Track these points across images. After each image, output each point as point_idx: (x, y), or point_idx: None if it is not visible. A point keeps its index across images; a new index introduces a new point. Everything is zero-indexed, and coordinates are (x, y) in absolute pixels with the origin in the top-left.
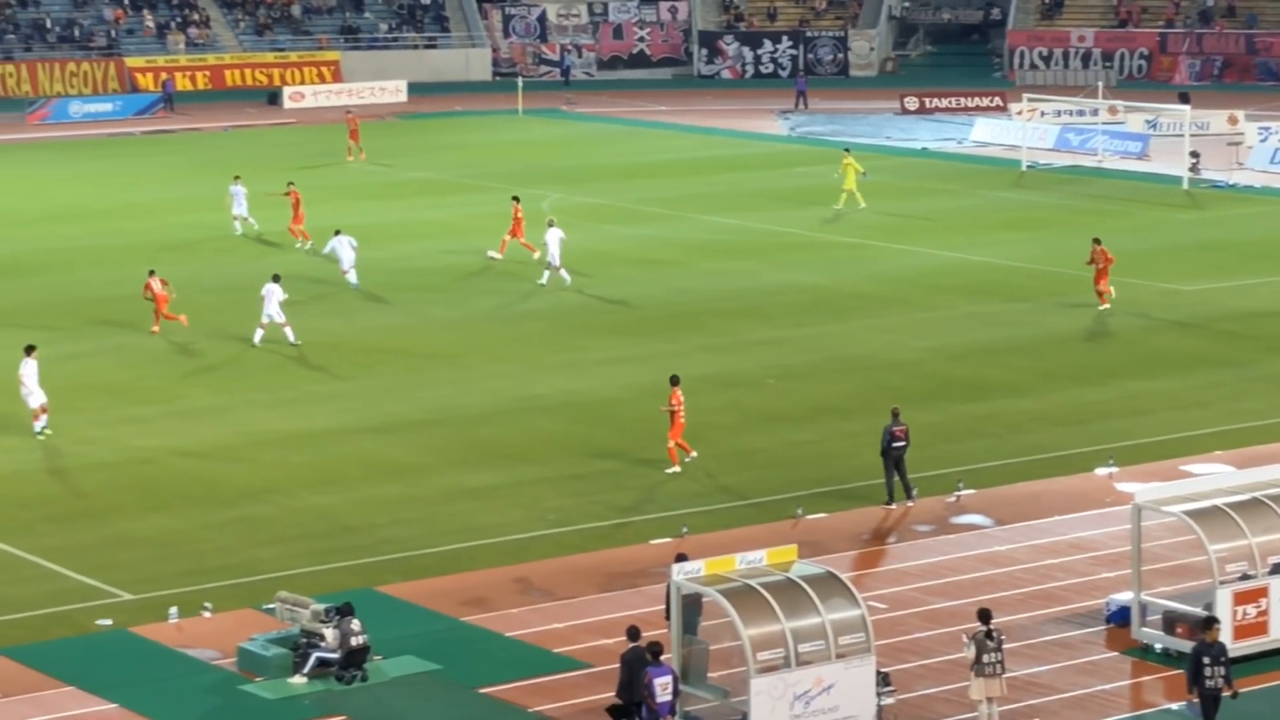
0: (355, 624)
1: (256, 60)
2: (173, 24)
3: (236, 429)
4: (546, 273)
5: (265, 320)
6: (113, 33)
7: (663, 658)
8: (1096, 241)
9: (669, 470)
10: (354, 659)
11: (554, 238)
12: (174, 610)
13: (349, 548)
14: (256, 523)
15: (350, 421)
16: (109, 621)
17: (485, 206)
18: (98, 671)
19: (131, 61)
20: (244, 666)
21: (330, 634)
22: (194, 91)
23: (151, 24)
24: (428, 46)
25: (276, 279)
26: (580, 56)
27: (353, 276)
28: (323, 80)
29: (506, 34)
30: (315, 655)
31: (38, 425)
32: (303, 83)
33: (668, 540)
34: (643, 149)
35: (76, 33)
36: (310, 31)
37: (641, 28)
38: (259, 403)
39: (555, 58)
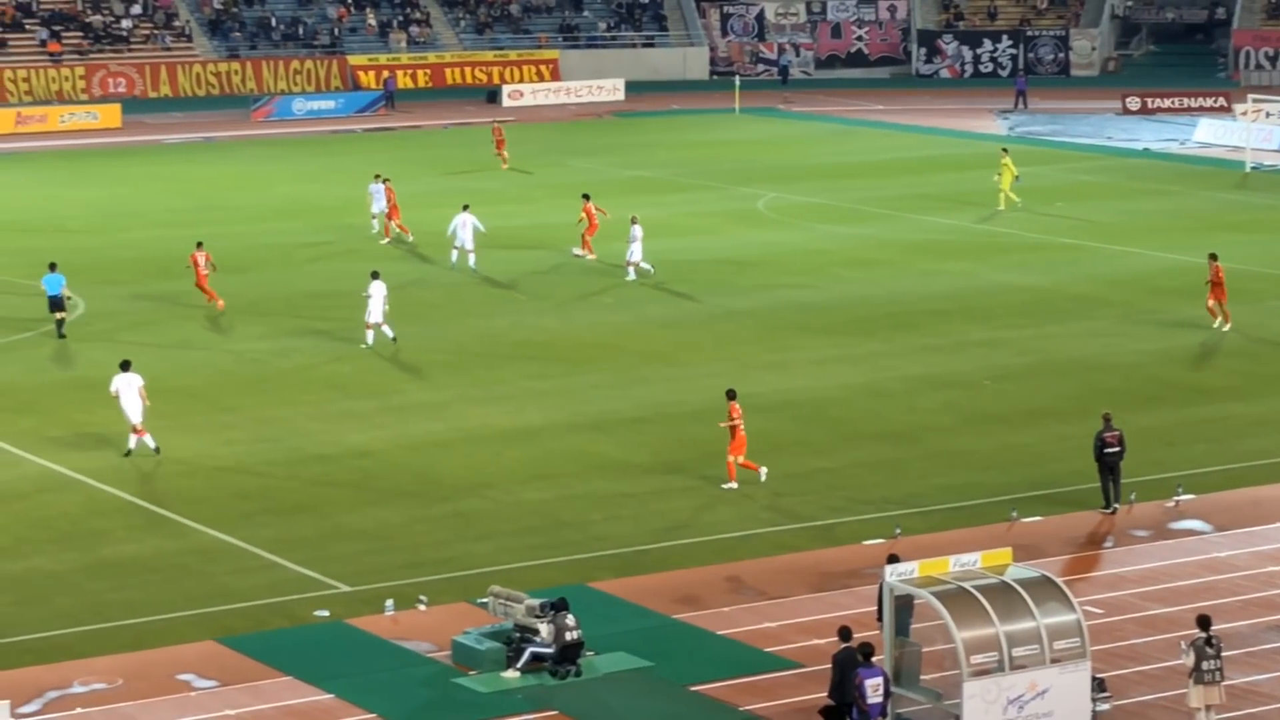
0: (570, 619)
1: (476, 59)
2: (395, 23)
3: (452, 424)
4: (631, 269)
5: (373, 320)
6: (336, 31)
7: (874, 659)
8: (1213, 258)
9: (725, 486)
10: (569, 654)
11: (637, 234)
12: (390, 603)
13: (562, 543)
14: (471, 517)
15: (564, 418)
16: (326, 613)
17: (701, 205)
18: (315, 662)
19: (354, 59)
20: (458, 660)
21: (545, 629)
22: (414, 89)
23: (374, 23)
24: (646, 45)
25: (376, 275)
26: (798, 55)
27: (472, 259)
28: (541, 79)
29: (724, 33)
30: (530, 650)
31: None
32: (521, 81)
33: (881, 541)
34: (859, 148)
35: (301, 31)
36: (530, 30)
37: (860, 26)
38: (475, 398)
39: (773, 56)
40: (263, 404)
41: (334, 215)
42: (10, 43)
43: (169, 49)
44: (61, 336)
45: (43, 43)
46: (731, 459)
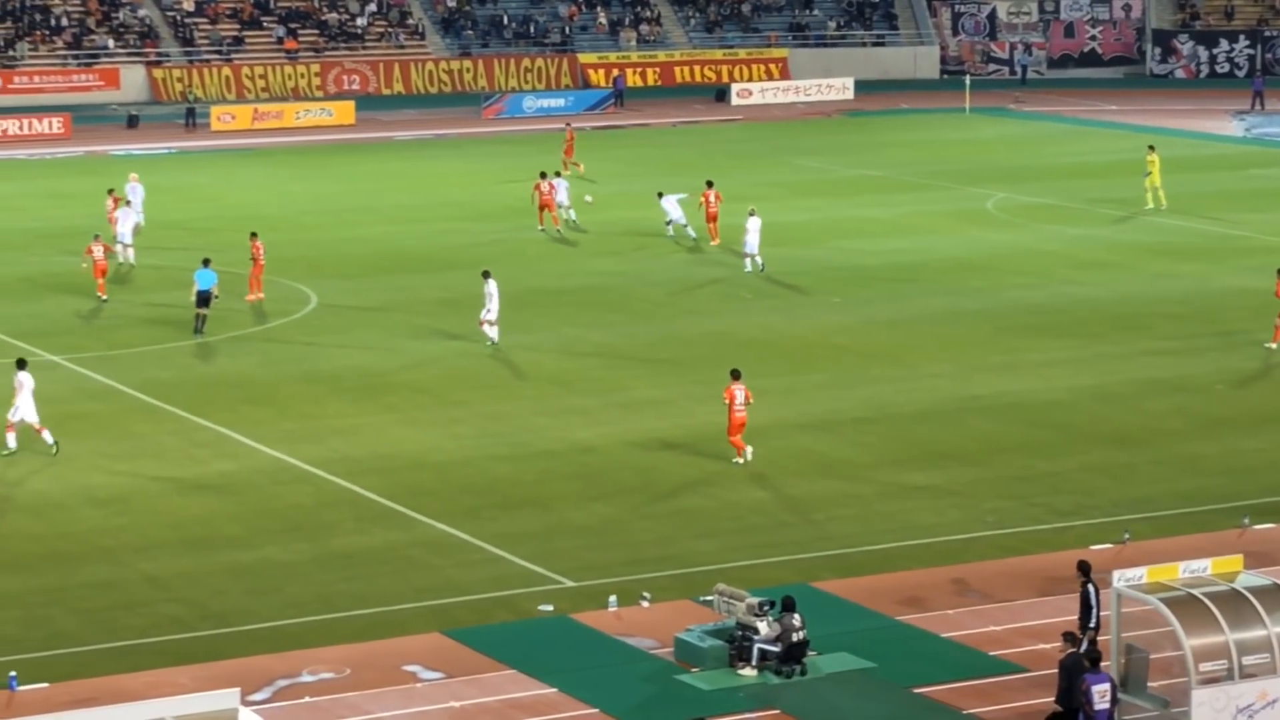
0: (796, 619)
1: (706, 57)
2: (625, 21)
3: (676, 421)
4: (748, 260)
5: (486, 318)
6: (566, 29)
7: (1102, 665)
8: None
9: (736, 461)
10: (794, 653)
11: (754, 226)
12: (613, 599)
13: (785, 543)
14: (694, 515)
15: (788, 417)
16: (550, 607)
17: (929, 205)
18: (539, 655)
19: (584, 58)
20: (680, 656)
21: (764, 627)
22: (644, 87)
23: (604, 21)
24: (876, 44)
25: (487, 274)
26: (1030, 54)
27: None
28: (770, 77)
29: (955, 32)
30: (757, 647)
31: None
32: (750, 80)
33: (1108, 546)
34: (1091, 149)
35: (532, 29)
36: (759, 29)
37: (1093, 26)
38: (698, 396)
39: (1004, 55)
40: (490, 399)
41: (563, 212)
42: (248, 40)
43: (402, 47)
44: (199, 333)
45: (279, 40)
46: (737, 438)
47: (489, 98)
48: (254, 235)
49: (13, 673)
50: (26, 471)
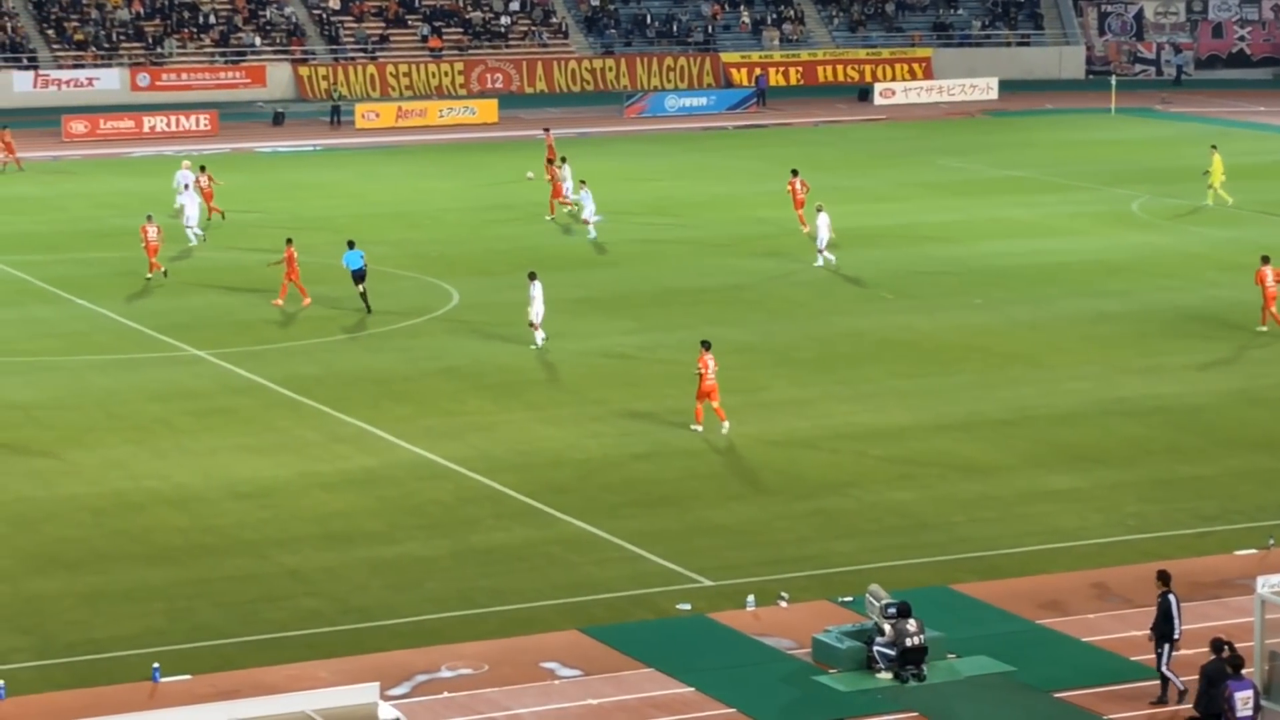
0: (911, 624)
1: (849, 57)
2: (768, 20)
3: (816, 421)
4: (821, 256)
5: (534, 320)
6: (709, 28)
7: (1244, 671)
8: (1265, 260)
9: (692, 428)
10: (909, 658)
11: (823, 223)
12: (751, 598)
13: (924, 544)
14: (833, 515)
15: (929, 418)
16: (688, 606)
17: (1073, 206)
18: (676, 654)
19: (727, 57)
20: (818, 657)
21: (888, 630)
22: (786, 87)
23: (747, 20)
24: (1020, 44)
25: (533, 276)
26: (1177, 55)
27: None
28: (914, 77)
29: (1101, 32)
30: (876, 649)
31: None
32: (894, 79)
33: (1253, 551)
34: (1238, 150)
35: (674, 28)
36: (903, 28)
37: (1242, 26)
38: (840, 396)
39: (1151, 56)
40: (629, 397)
41: (703, 211)
42: (393, 38)
43: (545, 45)
44: (368, 310)
45: (424, 39)
46: (699, 404)
47: (631, 96)
48: (289, 241)
49: (155, 664)
50: (171, 465)
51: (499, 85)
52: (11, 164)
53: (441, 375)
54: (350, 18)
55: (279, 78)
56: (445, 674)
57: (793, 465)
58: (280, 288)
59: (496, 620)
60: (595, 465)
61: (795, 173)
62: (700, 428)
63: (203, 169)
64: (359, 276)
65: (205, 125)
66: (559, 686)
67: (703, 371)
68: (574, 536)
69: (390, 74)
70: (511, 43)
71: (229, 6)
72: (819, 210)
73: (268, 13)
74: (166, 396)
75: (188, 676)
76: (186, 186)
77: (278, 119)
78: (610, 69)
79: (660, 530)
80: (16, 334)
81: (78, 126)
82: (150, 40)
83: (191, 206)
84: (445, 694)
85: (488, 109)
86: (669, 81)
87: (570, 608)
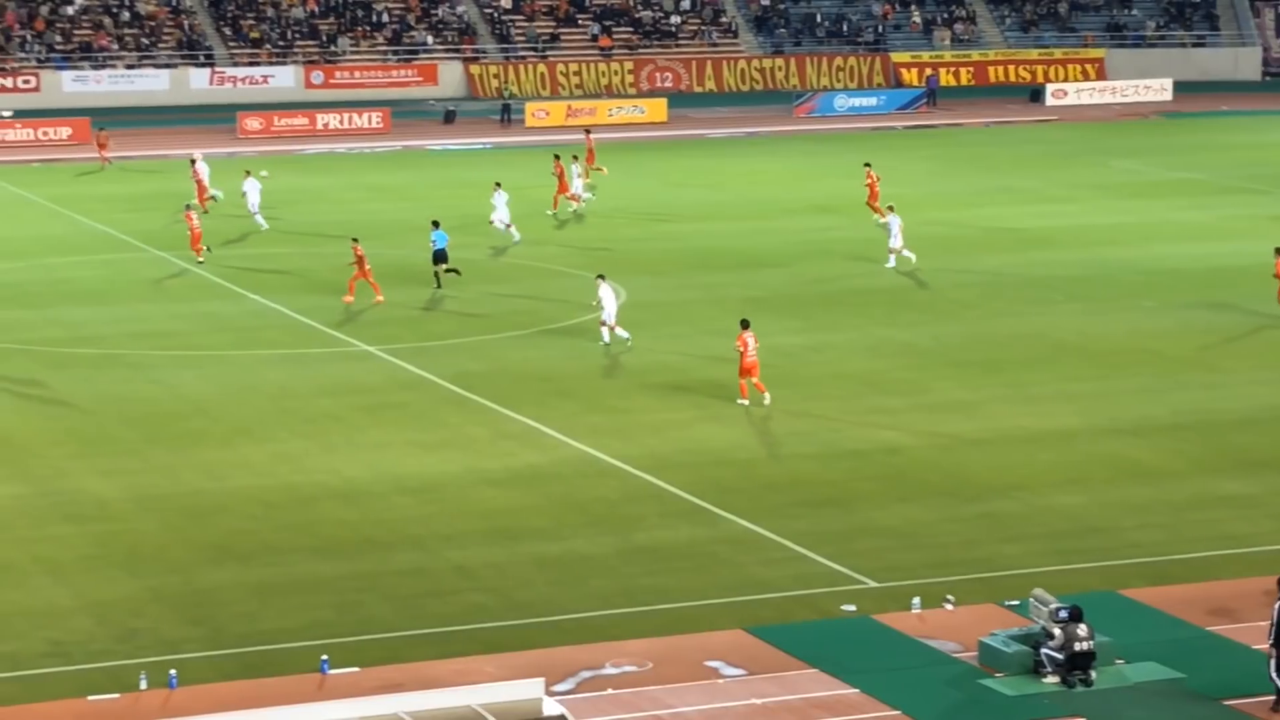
0: (1082, 629)
1: (1020, 57)
2: (939, 20)
3: (983, 424)
4: (892, 256)
5: (607, 320)
6: (880, 28)
7: None
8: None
9: (740, 402)
10: (1077, 663)
11: (895, 224)
12: (917, 600)
13: (1092, 549)
14: (1000, 518)
15: (1099, 422)
16: (853, 607)
17: (1248, 209)
18: (841, 655)
19: (897, 57)
20: (984, 661)
21: (1058, 634)
22: (957, 87)
23: (918, 20)
24: (1196, 45)
25: (602, 277)
26: None
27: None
28: (1086, 78)
29: (1279, 33)
30: (1044, 652)
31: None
32: (1065, 80)
33: None
34: None
35: (845, 28)
36: (1075, 28)
37: None
38: (1008, 398)
39: None
40: (796, 397)
41: (869, 213)
42: (563, 37)
43: (715, 45)
44: (439, 286)
45: (594, 37)
46: (742, 380)
47: (800, 96)
48: (355, 240)
49: (324, 656)
50: (341, 459)
51: (668, 84)
52: (106, 164)
53: (608, 373)
54: (521, 17)
55: (450, 76)
56: (609, 671)
57: (960, 467)
58: (349, 285)
59: (661, 618)
60: (761, 464)
61: (868, 165)
62: (746, 401)
63: (193, 161)
64: (440, 257)
65: (377, 123)
66: (723, 685)
67: (742, 350)
68: (739, 536)
69: (560, 73)
70: (681, 42)
71: (402, 5)
72: (890, 210)
73: (440, 12)
74: (336, 391)
75: (355, 669)
76: (247, 173)
77: (449, 117)
78: (780, 68)
79: (825, 531)
80: (191, 328)
81: (252, 123)
82: (324, 38)
83: (254, 194)
84: (609, 691)
85: (657, 108)
86: (838, 81)
87: (734, 607)
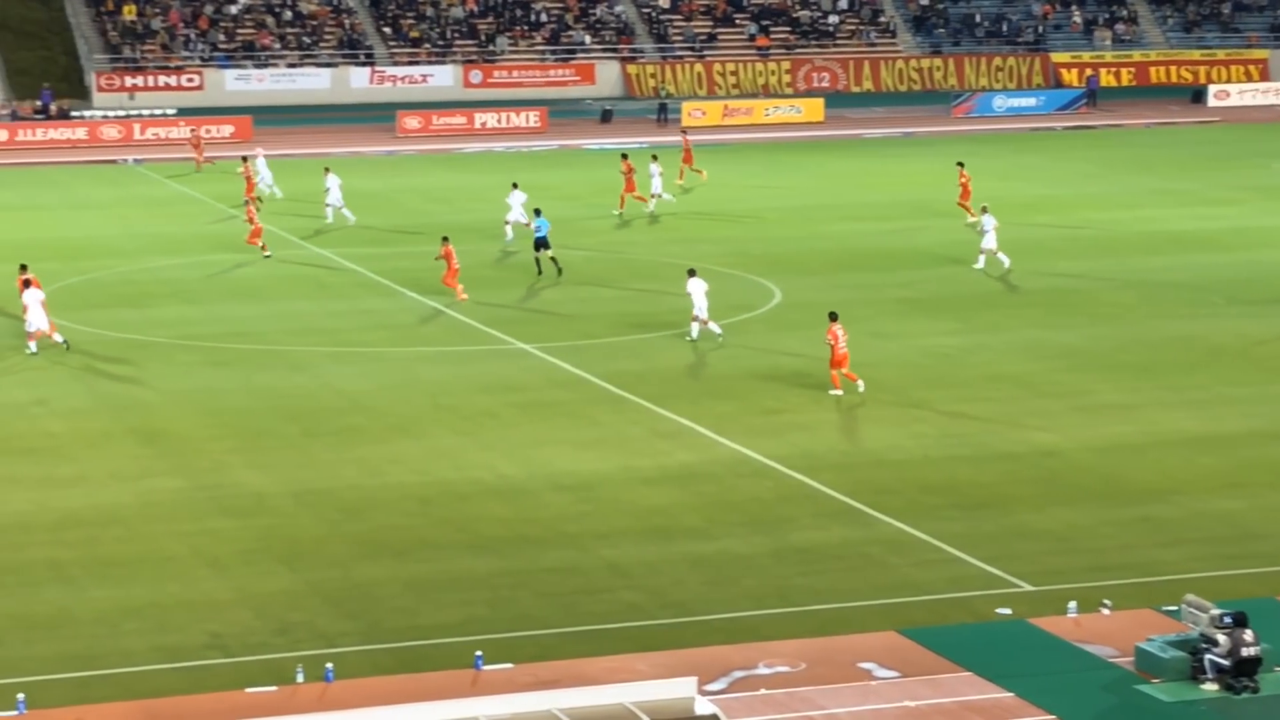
0: (1248, 634)
1: (1182, 57)
2: (1100, 20)
3: (1142, 427)
4: (982, 257)
5: (698, 315)
6: (1040, 28)
7: None
8: None
9: (831, 393)
10: (1244, 669)
11: (990, 225)
12: (1073, 605)
13: (1253, 555)
14: (1159, 523)
15: (1260, 426)
16: (1008, 611)
17: None
18: (995, 659)
19: (1057, 57)
20: (1141, 666)
21: (1223, 639)
22: (1117, 88)
23: (1079, 20)
24: None
25: (692, 273)
26: None
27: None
28: (1249, 79)
29: None
30: (1208, 659)
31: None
32: (1228, 81)
33: None
34: None
35: (1004, 28)
36: (1239, 29)
37: None
38: (1167, 402)
39: None
40: (951, 399)
41: (1030, 213)
42: (720, 37)
43: (873, 45)
44: (540, 274)
45: (751, 37)
46: (834, 371)
47: (958, 96)
48: (445, 239)
49: (478, 652)
50: (496, 456)
51: (825, 84)
52: (206, 164)
53: (763, 373)
54: (679, 16)
55: (608, 76)
56: (762, 671)
57: (1118, 471)
58: (450, 282)
59: (814, 619)
60: (916, 466)
61: (961, 165)
62: (840, 392)
63: (244, 159)
64: (542, 244)
65: (535, 122)
66: (876, 687)
67: (833, 343)
68: (893, 537)
69: (717, 72)
70: (839, 42)
71: (560, 5)
72: (984, 211)
73: (598, 11)
74: (493, 389)
75: (509, 665)
76: (326, 170)
77: (606, 116)
78: (938, 69)
79: (981, 533)
80: (350, 325)
81: (411, 122)
82: (483, 38)
83: (336, 190)
84: (762, 691)
85: (814, 108)
86: (997, 81)
87: (888, 609)
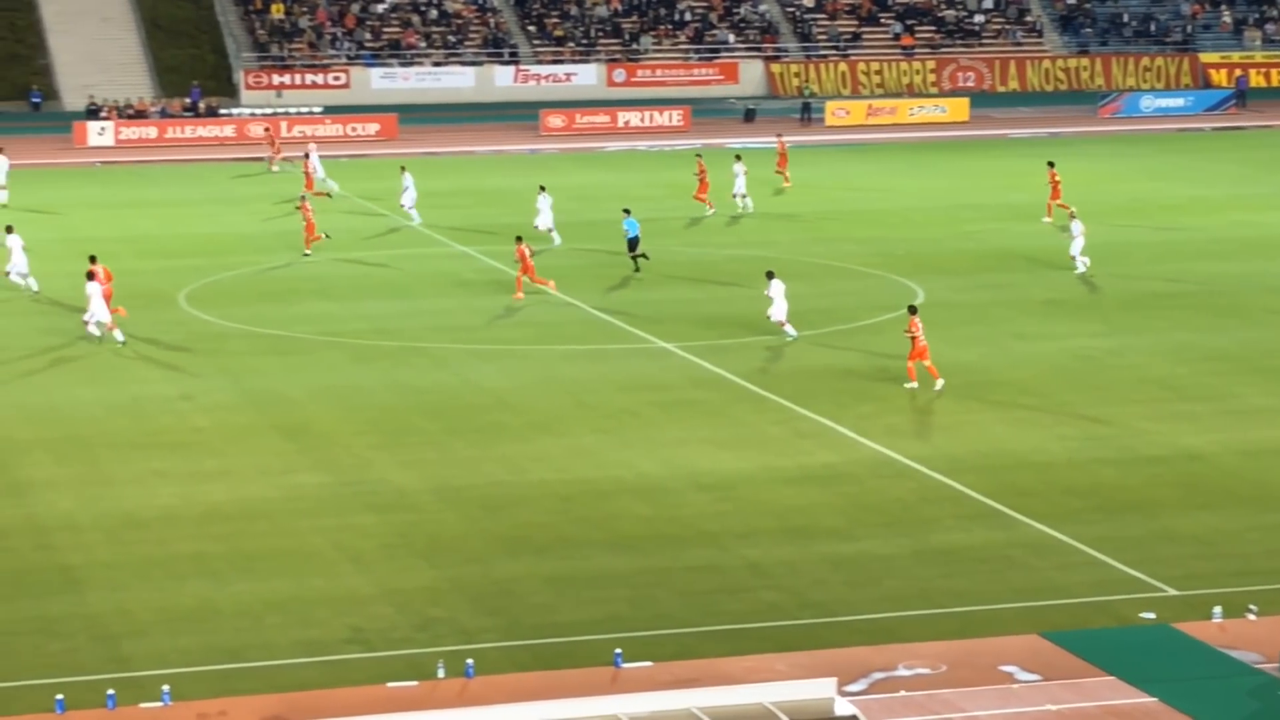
0: None
1: None
2: (1250, 20)
3: None
4: (1079, 262)
5: (775, 318)
6: (1188, 28)
7: None
8: None
9: (906, 386)
10: None
11: (1077, 229)
12: (1218, 610)
13: None
14: None
15: None
16: (1152, 615)
17: None
18: (1138, 663)
19: (1205, 57)
20: None
21: None
22: (1268, 88)
23: (1228, 20)
24: None
25: (771, 275)
26: None
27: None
28: None
29: None
30: None
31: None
32: None
33: None
34: None
35: (1152, 28)
36: None
37: None
38: None
39: None
40: (1094, 401)
41: (1178, 214)
42: (865, 36)
43: (1019, 44)
44: (637, 271)
45: (896, 36)
46: (911, 364)
47: (1105, 96)
48: (519, 239)
49: (617, 650)
50: (637, 455)
51: (970, 84)
52: (280, 161)
53: (904, 373)
54: (823, 15)
55: (751, 74)
56: (902, 672)
57: (1265, 475)
58: (534, 283)
59: (955, 621)
60: (1059, 469)
61: (1051, 164)
62: (915, 384)
63: (307, 155)
64: (633, 244)
65: (678, 120)
66: (1017, 691)
67: (914, 335)
68: (1035, 540)
69: (861, 71)
70: (984, 41)
71: (704, 4)
72: (1072, 217)
73: (742, 10)
74: (634, 387)
75: (648, 664)
76: (403, 169)
77: (749, 115)
78: (1085, 68)
79: (1124, 537)
80: (490, 322)
81: (555, 121)
82: (627, 37)
83: (411, 189)
84: (902, 692)
85: (958, 107)
86: (1144, 81)
87: (1030, 612)
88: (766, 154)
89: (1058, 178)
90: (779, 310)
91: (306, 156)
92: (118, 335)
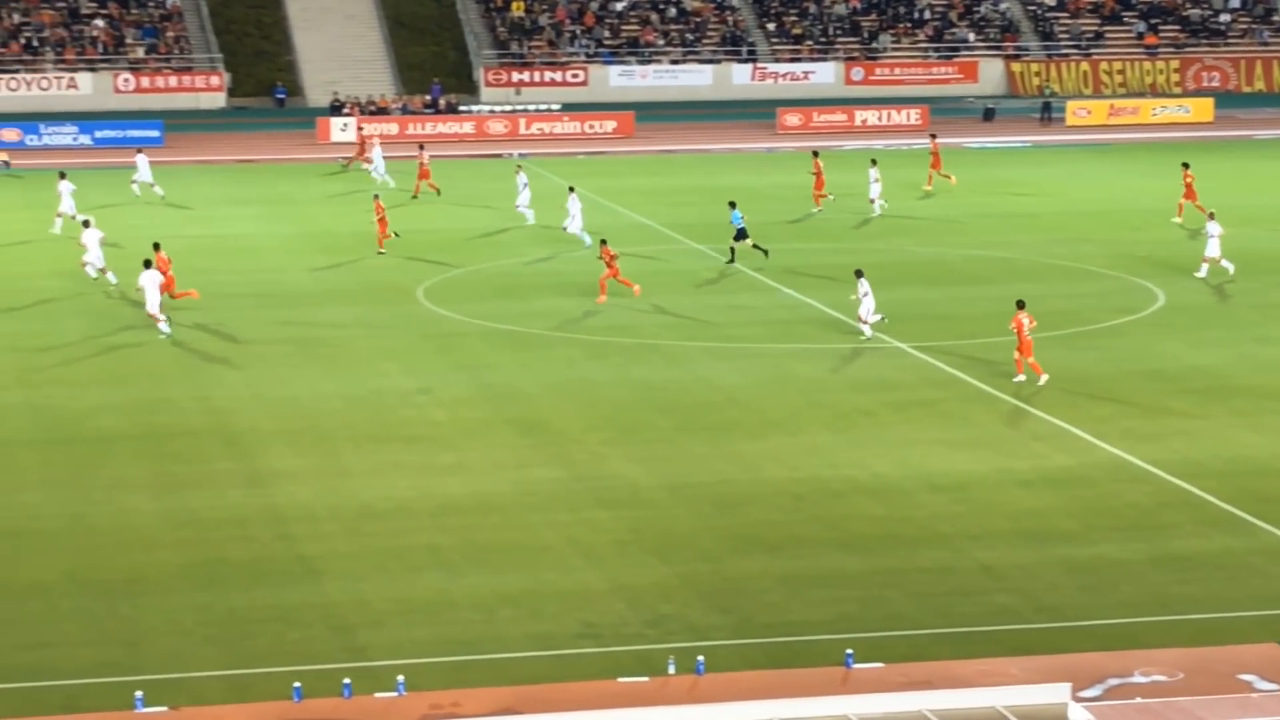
0: None
1: None
2: None
3: None
4: (1205, 265)
5: (866, 316)
6: None
7: None
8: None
9: (1015, 380)
10: None
11: (1214, 231)
12: None
13: None
14: None
15: None
16: None
17: None
18: None
19: None
20: None
21: None
22: None
23: None
24: None
25: (860, 274)
26: None
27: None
28: None
29: None
30: None
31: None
32: None
33: None
34: None
35: None
36: None
37: None
38: None
39: None
40: None
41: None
42: (1107, 35)
43: (1266, 44)
44: (730, 262)
45: (1139, 35)
46: (1018, 357)
47: None
48: (604, 242)
49: (848, 650)
50: (870, 455)
51: (1215, 84)
52: (359, 161)
53: (1144, 377)
54: (1065, 14)
55: (991, 73)
56: (1138, 679)
57: None
58: (623, 285)
59: (1191, 628)
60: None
61: (1186, 165)
62: (1022, 378)
63: (422, 147)
64: (742, 235)
65: (915, 119)
66: (1256, 700)
67: (1018, 330)
68: (1276, 548)
69: (1104, 71)
70: (1230, 40)
71: (944, 3)
72: (1210, 218)
73: (982, 9)
74: (867, 387)
75: (879, 665)
76: (519, 168)
77: (988, 114)
78: None
79: None
80: (725, 320)
81: (791, 119)
82: (865, 35)
83: (525, 190)
84: (1138, 699)
85: (1202, 108)
86: None
87: (1270, 620)
88: (960, 154)
89: (1191, 178)
90: (866, 308)
91: (422, 148)
92: (164, 327)
